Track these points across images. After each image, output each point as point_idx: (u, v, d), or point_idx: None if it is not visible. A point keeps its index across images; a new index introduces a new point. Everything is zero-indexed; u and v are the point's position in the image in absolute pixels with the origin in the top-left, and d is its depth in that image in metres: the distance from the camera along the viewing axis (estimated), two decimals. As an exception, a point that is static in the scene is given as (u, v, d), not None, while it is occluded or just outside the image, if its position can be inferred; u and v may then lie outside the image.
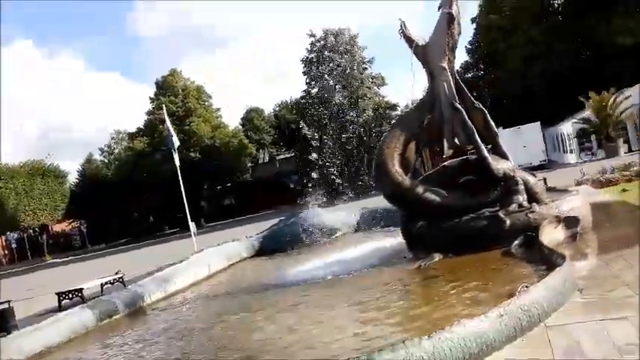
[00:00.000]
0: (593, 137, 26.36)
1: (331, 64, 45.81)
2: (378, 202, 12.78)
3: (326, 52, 45.70)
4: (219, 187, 57.58)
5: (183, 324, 6.27)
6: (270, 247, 11.63)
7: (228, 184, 57.33)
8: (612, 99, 24.83)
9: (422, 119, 7.77)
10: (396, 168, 7.42)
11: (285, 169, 55.77)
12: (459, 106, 7.43)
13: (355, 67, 46.14)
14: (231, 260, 10.69)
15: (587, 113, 26.42)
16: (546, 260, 5.41)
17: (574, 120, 28.03)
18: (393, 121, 8.10)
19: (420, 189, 7.33)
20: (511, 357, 3.49)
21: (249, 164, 56.60)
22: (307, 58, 47.09)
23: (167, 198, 46.88)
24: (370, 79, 47.86)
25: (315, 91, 46.62)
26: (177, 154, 16.64)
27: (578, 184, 12.17)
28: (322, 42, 46.45)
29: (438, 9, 7.84)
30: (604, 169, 13.38)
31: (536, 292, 3.94)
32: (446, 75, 7.65)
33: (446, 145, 7.56)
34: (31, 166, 38.57)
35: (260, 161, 60.94)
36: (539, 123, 28.82)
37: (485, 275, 5.69)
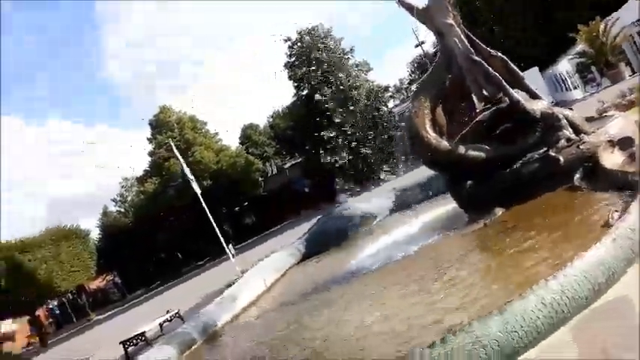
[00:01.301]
0: (593, 68, 26.00)
1: (314, 63, 45.73)
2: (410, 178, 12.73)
3: (308, 53, 45.62)
4: (236, 209, 57.61)
5: (268, 334, 6.16)
6: (314, 249, 11.49)
7: (245, 203, 57.36)
8: (602, 26, 24.46)
9: (443, 80, 7.63)
10: (430, 133, 7.28)
11: (294, 176, 55.74)
12: (477, 58, 7.27)
13: (338, 60, 46.08)
14: (281, 270, 10.56)
15: (580, 47, 26.07)
16: (618, 183, 5.28)
17: (569, 57, 27.68)
18: (414, 89, 7.88)
19: (461, 149, 7.17)
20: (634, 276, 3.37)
21: (260, 179, 56.60)
22: (289, 62, 47.06)
23: (189, 231, 47.04)
24: (356, 68, 47.78)
25: (305, 92, 46.54)
26: (195, 183, 16.61)
27: (603, 112, 11.95)
28: (299, 43, 46.41)
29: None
30: (622, 92, 13.16)
31: (635, 214, 3.78)
32: (455, 31, 7.50)
33: (475, 99, 7.41)
34: (53, 232, 38.77)
35: (269, 174, 60.95)
36: (536, 68, 28.50)
37: (560, 214, 5.51)
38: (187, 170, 15.79)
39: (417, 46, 48.78)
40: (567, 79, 28.39)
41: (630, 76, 22.91)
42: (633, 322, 2.94)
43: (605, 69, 24.23)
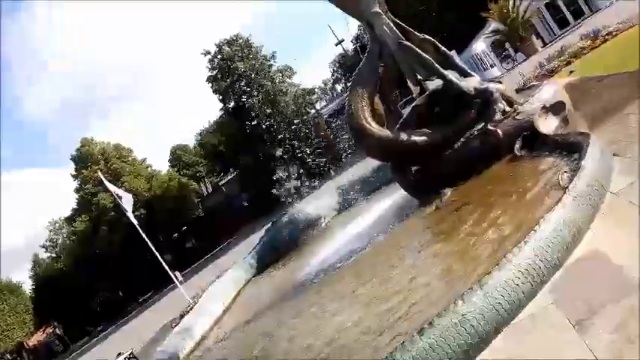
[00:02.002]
0: (507, 45, 27.15)
1: (236, 74, 45.30)
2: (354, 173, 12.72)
3: (229, 65, 45.16)
4: (175, 235, 56.18)
5: (247, 348, 5.88)
6: (266, 260, 11.25)
7: (184, 228, 56.05)
8: (511, 2, 25.58)
9: (376, 69, 7.63)
10: (371, 124, 7.25)
11: (232, 192, 55.00)
12: (408, 43, 7.34)
13: (260, 68, 45.87)
14: (238, 286, 10.26)
15: (493, 25, 27.18)
16: (558, 146, 5.40)
17: (484, 35, 28.80)
18: (350, 83, 7.84)
19: (402, 135, 7.18)
20: (599, 230, 3.42)
21: (196, 200, 55.48)
22: (211, 76, 46.44)
23: (128, 266, 45.35)
24: (279, 74, 47.74)
25: (232, 105, 46.04)
26: (130, 214, 15.94)
27: (524, 85, 12.41)
28: (219, 55, 45.89)
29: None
30: (539, 63, 13.73)
31: (589, 166, 3.84)
32: (383, 18, 7.53)
33: (411, 84, 7.44)
34: (-19, 291, 36.23)
35: (205, 194, 59.86)
36: (454, 51, 29.42)
37: (510, 185, 5.57)
38: (126, 195, 15.06)
39: (337, 44, 49.26)
40: (484, 57, 29.52)
41: (542, 47, 24.09)
42: (609, 275, 2.95)
43: (519, 44, 25.34)
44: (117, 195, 15.82)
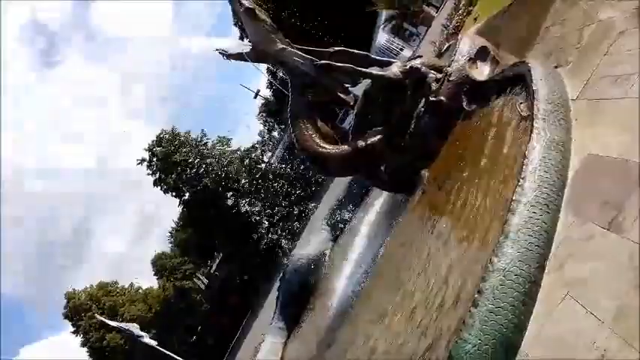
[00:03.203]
0: (405, 25, 28.00)
1: (178, 167, 45.08)
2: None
3: (168, 161, 44.97)
4: (192, 339, 54.80)
5: None
6: (292, 315, 11.05)
7: (199, 328, 54.73)
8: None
9: (305, 98, 7.73)
10: (327, 147, 7.34)
11: (225, 274, 54.20)
12: (324, 62, 7.45)
13: (197, 151, 45.77)
14: (279, 353, 10.04)
15: (384, 14, 28.04)
16: (503, 84, 5.55)
17: (381, 27, 29.64)
18: (289, 119, 7.93)
19: (359, 143, 7.27)
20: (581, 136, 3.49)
21: (197, 297, 54.43)
22: (156, 179, 46.11)
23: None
24: (218, 147, 47.78)
25: (187, 195, 45.70)
26: (146, 336, 15.57)
27: (442, 47, 12.76)
28: (154, 158, 45.71)
29: (234, 12, 7.87)
30: (443, 25, 14.18)
31: (540, 85, 3.93)
32: (289, 51, 7.65)
33: (345, 97, 7.58)
34: None
35: (204, 288, 58.82)
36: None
37: (478, 140, 5.63)
38: (131, 329, 14.72)
39: (255, 96, 49.76)
40: (391, 46, 30.30)
41: (437, 13, 24.91)
42: (612, 170, 3.01)
43: (415, 20, 26.17)
44: (123, 329, 15.45)
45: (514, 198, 3.12)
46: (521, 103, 4.59)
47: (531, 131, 3.53)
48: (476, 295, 2.80)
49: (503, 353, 2.72)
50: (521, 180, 3.19)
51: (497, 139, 4.91)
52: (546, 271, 2.87)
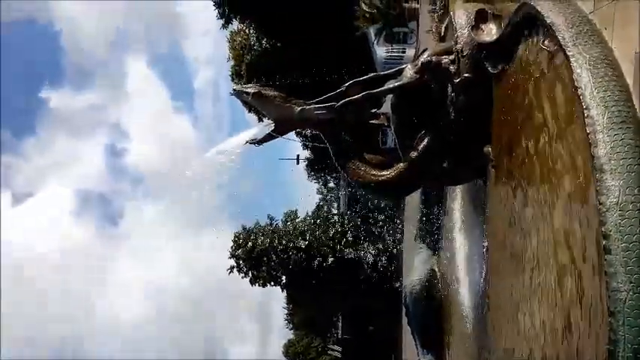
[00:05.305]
0: (397, 29, 28.10)
1: (268, 249, 45.91)
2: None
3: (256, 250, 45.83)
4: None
5: None
6: (432, 341, 10.71)
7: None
8: (362, 5, 26.70)
9: (343, 140, 7.78)
10: (383, 173, 7.35)
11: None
12: (342, 101, 7.46)
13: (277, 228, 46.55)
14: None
15: (372, 29, 28.28)
16: (515, 34, 5.43)
17: (374, 42, 29.87)
18: (339, 168, 7.99)
19: (412, 154, 7.20)
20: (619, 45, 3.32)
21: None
22: (252, 277, 46.88)
23: None
24: (289, 225, 48.35)
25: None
26: None
27: (440, 31, 12.69)
28: (237, 253, 46.52)
29: (244, 103, 8.15)
30: (431, 10, 14.17)
31: (553, 16, 3.82)
32: (307, 109, 7.74)
33: (377, 121, 7.63)
34: None
35: None
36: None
37: (522, 97, 5.41)
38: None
39: (297, 163, 50.53)
40: (392, 55, 30.42)
41: (418, 3, 24.93)
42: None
43: (403, 19, 26.24)
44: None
45: (588, 131, 2.96)
46: (544, 41, 4.44)
47: (568, 60, 3.39)
48: (603, 242, 2.62)
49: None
50: (585, 111, 3.04)
51: (540, 84, 4.73)
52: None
